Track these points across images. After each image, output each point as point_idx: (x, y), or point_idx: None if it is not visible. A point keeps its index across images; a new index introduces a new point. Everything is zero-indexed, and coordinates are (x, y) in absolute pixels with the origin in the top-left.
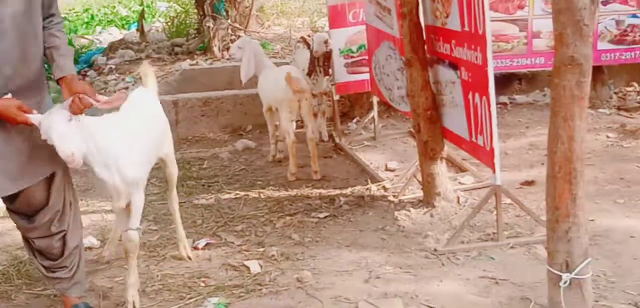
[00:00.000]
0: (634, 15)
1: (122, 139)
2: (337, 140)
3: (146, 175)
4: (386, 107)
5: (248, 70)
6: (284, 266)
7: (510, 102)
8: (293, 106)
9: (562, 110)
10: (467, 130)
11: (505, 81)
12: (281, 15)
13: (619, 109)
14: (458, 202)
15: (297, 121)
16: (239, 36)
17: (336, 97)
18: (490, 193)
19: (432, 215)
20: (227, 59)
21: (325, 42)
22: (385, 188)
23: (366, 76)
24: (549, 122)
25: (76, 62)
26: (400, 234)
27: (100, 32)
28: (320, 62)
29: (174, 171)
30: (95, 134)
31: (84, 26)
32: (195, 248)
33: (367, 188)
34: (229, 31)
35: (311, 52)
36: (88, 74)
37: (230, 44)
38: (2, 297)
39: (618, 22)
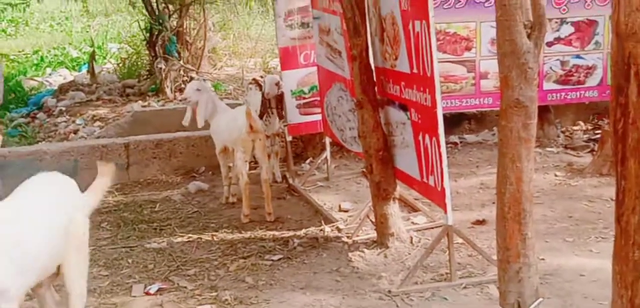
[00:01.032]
0: (578, 56)
1: None
2: (290, 181)
3: (19, 288)
4: (339, 148)
5: (206, 112)
6: None
7: (461, 142)
8: (247, 146)
9: (510, 151)
10: (419, 170)
11: (454, 121)
12: (233, 56)
13: (566, 147)
14: (411, 242)
15: (250, 162)
16: (192, 77)
17: (289, 138)
18: (442, 233)
19: (386, 256)
20: (180, 101)
21: (277, 84)
22: (339, 229)
23: (318, 117)
24: (497, 163)
25: (25, 104)
26: (355, 276)
27: (50, 74)
28: (273, 104)
29: (71, 295)
30: None
31: (33, 68)
32: (147, 293)
33: (321, 230)
34: (181, 72)
35: (263, 94)
36: (38, 116)
37: (183, 85)
38: None
39: (563, 63)
